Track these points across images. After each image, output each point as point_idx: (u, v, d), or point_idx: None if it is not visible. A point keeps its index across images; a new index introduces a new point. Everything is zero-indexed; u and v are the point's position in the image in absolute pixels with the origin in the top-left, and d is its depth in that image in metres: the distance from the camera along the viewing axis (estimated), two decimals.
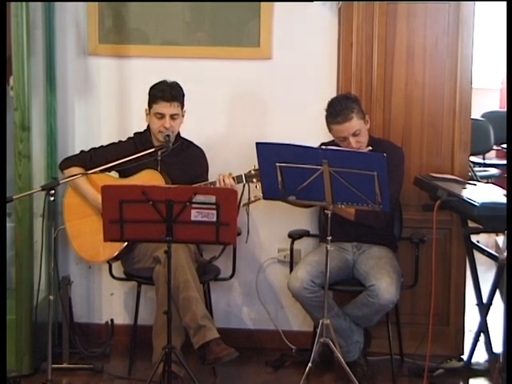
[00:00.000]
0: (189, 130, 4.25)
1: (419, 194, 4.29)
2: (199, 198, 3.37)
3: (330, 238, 3.67)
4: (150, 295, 4.40)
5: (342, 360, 3.72)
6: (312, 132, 4.32)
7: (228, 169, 4.09)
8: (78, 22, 4.51)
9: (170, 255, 3.47)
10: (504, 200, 3.42)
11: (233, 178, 3.96)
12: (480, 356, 4.23)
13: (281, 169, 3.59)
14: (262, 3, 4.40)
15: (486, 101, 8.29)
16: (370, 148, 3.96)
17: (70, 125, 4.57)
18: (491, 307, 4.06)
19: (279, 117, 4.50)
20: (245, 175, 3.97)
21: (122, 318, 4.63)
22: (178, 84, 4.11)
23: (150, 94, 4.10)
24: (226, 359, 3.76)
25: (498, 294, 4.01)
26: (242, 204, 3.96)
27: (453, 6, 4.32)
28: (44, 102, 4.44)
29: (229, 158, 4.46)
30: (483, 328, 4.07)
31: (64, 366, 4.21)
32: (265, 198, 3.74)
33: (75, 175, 3.98)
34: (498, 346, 3.90)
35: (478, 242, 4.23)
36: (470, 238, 4.14)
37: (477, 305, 4.14)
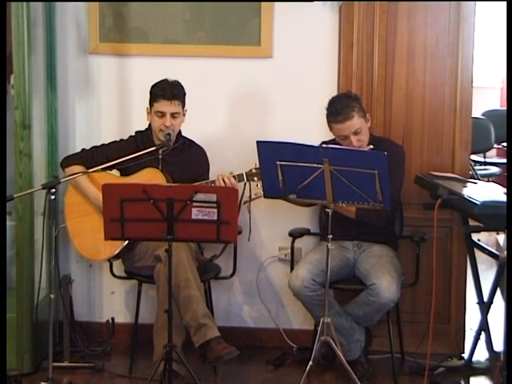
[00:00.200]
0: (189, 128, 4.25)
1: (420, 192, 4.28)
2: (200, 196, 3.37)
3: (330, 236, 3.66)
4: (150, 294, 4.40)
5: (343, 358, 3.72)
6: (313, 130, 4.32)
7: (229, 167, 4.10)
8: (79, 20, 4.51)
9: (170, 254, 3.47)
10: (504, 198, 3.42)
11: (234, 176, 3.97)
12: (481, 354, 4.24)
13: (281, 167, 3.59)
14: (263, 3, 4.40)
15: (486, 99, 8.29)
16: (371, 146, 3.95)
17: (70, 123, 4.57)
18: (492, 306, 4.07)
19: (280, 115, 4.50)
20: (246, 174, 3.97)
21: (122, 317, 4.63)
22: (179, 83, 4.11)
23: (151, 93, 4.10)
24: (227, 358, 3.76)
25: (498, 293, 4.01)
26: (242, 201, 3.97)
27: (453, 5, 4.32)
28: (45, 100, 4.44)
29: (229, 156, 4.46)
30: (484, 326, 4.08)
31: (65, 364, 4.21)
32: (265, 196, 3.74)
33: (76, 173, 3.99)
34: (498, 345, 3.90)
35: (478, 240, 4.23)
36: (470, 236, 4.15)
37: (477, 303, 4.15)
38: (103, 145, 4.24)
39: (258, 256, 4.59)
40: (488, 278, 4.12)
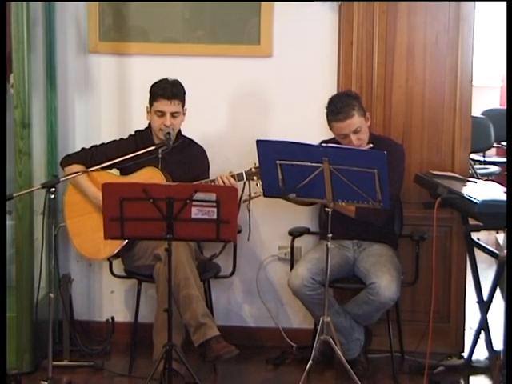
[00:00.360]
0: (189, 127, 4.25)
1: (419, 191, 4.28)
2: (199, 195, 3.37)
3: (330, 235, 3.66)
4: (150, 293, 4.40)
5: (343, 357, 3.72)
6: (312, 130, 4.32)
7: (228, 166, 4.10)
8: (79, 19, 4.51)
9: (170, 253, 3.47)
10: (504, 197, 3.42)
11: (233, 176, 3.96)
12: (480, 353, 4.24)
13: (281, 166, 3.58)
14: (263, 2, 4.40)
15: (486, 98, 8.29)
16: (371, 145, 3.95)
17: (70, 122, 4.57)
18: (491, 305, 4.06)
19: (280, 114, 4.50)
20: (245, 173, 3.97)
21: (122, 316, 4.63)
22: (179, 82, 4.10)
23: (150, 92, 4.10)
24: (227, 357, 3.76)
25: (498, 292, 4.01)
26: (242, 200, 3.97)
27: (453, 4, 4.32)
28: (44, 99, 4.44)
29: (229, 155, 4.46)
30: (483, 325, 4.08)
31: (64, 363, 4.22)
32: (265, 195, 3.74)
33: (76, 173, 3.99)
34: (498, 344, 3.90)
35: (478, 239, 4.23)
36: (470, 235, 4.15)
37: (477, 302, 4.15)
38: (103, 144, 4.24)
39: (258, 255, 4.59)
40: (487, 277, 4.12)
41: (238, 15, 4.45)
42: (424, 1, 4.33)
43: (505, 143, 7.52)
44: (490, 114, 7.65)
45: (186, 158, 4.20)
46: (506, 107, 8.02)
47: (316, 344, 3.71)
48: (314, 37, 4.43)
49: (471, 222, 3.97)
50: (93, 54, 4.53)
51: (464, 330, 4.48)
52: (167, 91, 4.03)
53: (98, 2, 4.46)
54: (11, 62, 3.97)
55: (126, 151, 3.97)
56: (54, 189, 3.65)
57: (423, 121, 4.40)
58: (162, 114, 4.06)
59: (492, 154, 8.00)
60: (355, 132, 3.92)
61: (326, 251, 3.69)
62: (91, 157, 4.14)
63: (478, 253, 4.15)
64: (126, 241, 3.97)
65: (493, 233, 5.92)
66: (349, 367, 3.72)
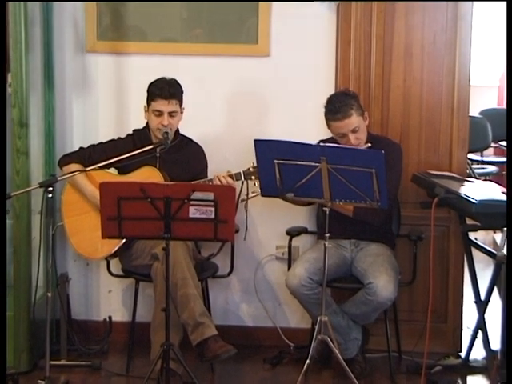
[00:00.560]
0: (187, 126, 4.25)
1: (417, 191, 4.28)
2: (197, 195, 3.37)
3: (328, 235, 3.67)
4: (148, 292, 4.40)
5: (340, 357, 3.72)
6: (310, 129, 4.32)
7: (226, 166, 4.10)
8: (76, 19, 4.50)
9: (168, 252, 3.46)
10: (502, 197, 3.42)
11: (231, 175, 3.96)
12: (478, 353, 4.24)
13: (279, 166, 3.59)
14: (260, 2, 4.40)
15: (483, 98, 8.29)
16: (369, 145, 3.96)
17: (68, 121, 4.57)
18: (489, 304, 4.07)
19: (277, 114, 4.50)
20: (243, 173, 3.97)
21: (120, 315, 4.62)
22: (176, 81, 4.10)
23: (148, 92, 4.10)
24: (224, 356, 3.76)
25: (495, 291, 4.01)
26: (240, 200, 3.97)
27: (451, 4, 4.32)
28: (42, 99, 4.44)
29: (227, 154, 4.46)
30: (481, 325, 4.08)
31: (62, 362, 4.21)
32: (263, 195, 3.74)
33: (74, 172, 3.98)
34: (495, 343, 3.90)
35: (475, 239, 4.24)
36: (467, 235, 4.15)
37: (475, 302, 4.15)
38: (101, 143, 4.23)
39: (256, 255, 4.59)
40: (485, 276, 4.12)
41: (236, 15, 4.45)
42: (422, 1, 4.33)
43: (502, 143, 7.53)
44: (487, 113, 7.66)
45: (184, 157, 4.20)
46: (503, 107, 8.05)
47: (314, 343, 3.72)
48: (312, 36, 4.43)
49: (469, 221, 3.97)
50: (90, 53, 4.52)
51: (461, 329, 4.48)
52: (165, 91, 4.03)
53: (95, 2, 4.46)
54: (9, 61, 3.97)
55: (123, 150, 3.97)
56: (51, 188, 3.65)
57: (421, 120, 4.41)
58: (160, 113, 4.06)
59: (490, 154, 8.00)
60: (353, 131, 3.92)
61: (323, 251, 3.69)
62: (89, 156, 4.14)
63: (475, 252, 4.15)
64: (124, 240, 3.97)
65: (490, 233, 5.93)
66: (346, 367, 3.72)
